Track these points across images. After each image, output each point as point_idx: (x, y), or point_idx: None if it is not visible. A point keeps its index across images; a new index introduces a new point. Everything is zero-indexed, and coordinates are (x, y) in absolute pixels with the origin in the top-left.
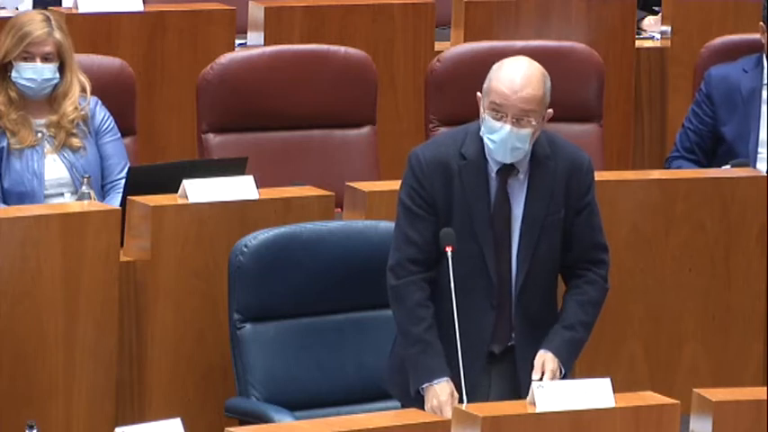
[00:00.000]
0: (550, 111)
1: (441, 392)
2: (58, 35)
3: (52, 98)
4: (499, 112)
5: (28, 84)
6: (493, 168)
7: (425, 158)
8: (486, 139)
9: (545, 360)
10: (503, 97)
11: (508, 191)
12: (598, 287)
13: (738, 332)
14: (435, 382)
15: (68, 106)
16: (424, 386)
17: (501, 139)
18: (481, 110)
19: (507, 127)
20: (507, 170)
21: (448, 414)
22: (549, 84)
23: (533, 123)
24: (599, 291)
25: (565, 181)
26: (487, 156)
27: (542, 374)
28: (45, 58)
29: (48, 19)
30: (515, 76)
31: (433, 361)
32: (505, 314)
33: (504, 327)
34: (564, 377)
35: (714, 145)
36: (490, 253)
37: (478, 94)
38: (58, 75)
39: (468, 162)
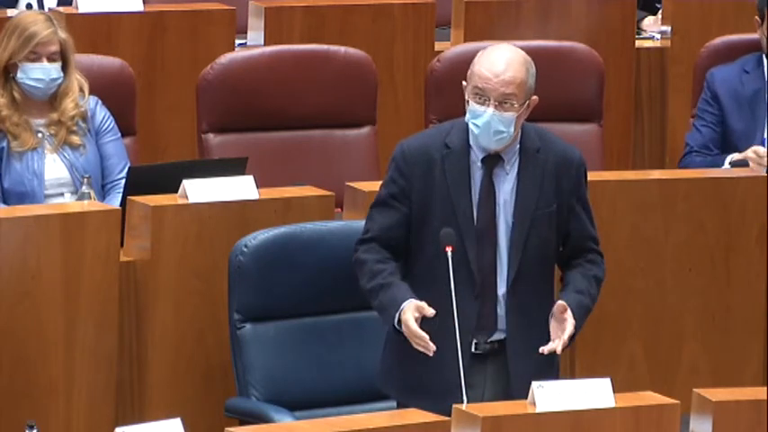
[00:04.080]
0: (535, 98)
1: (405, 318)
2: (62, 34)
3: (53, 97)
4: (482, 96)
5: (36, 84)
6: (477, 158)
7: (409, 148)
8: (470, 125)
9: (567, 317)
10: (484, 81)
11: (494, 180)
12: (599, 267)
13: (738, 332)
14: (401, 308)
15: (69, 103)
16: (395, 320)
17: (484, 122)
18: (466, 97)
19: (490, 110)
20: (492, 160)
21: (411, 325)
22: (532, 70)
23: (515, 106)
24: (600, 270)
25: (555, 175)
26: (472, 144)
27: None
28: (51, 58)
29: (50, 19)
30: (496, 59)
31: (394, 293)
32: (489, 305)
33: (488, 318)
34: (572, 339)
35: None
36: (471, 243)
37: (464, 82)
38: (62, 73)
39: (452, 151)
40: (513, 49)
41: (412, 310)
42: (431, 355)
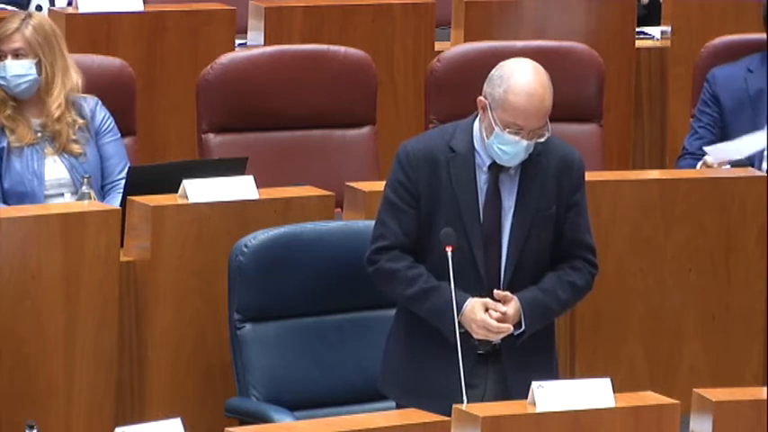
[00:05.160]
0: None
1: (473, 313)
2: (27, 31)
3: (40, 98)
4: (516, 127)
5: (1, 82)
6: (485, 163)
7: (413, 150)
8: (496, 149)
9: (510, 308)
10: (525, 118)
11: (499, 186)
12: (582, 274)
13: (738, 332)
14: (463, 310)
15: (51, 104)
16: (458, 322)
17: (516, 152)
18: (488, 117)
19: (524, 143)
20: (499, 165)
21: (494, 325)
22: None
23: (544, 132)
24: (582, 277)
25: (556, 177)
26: (479, 150)
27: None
28: (15, 55)
29: (26, 17)
30: (534, 92)
31: (447, 295)
32: None
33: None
34: (521, 335)
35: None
36: (479, 246)
37: (481, 99)
38: (34, 71)
39: (457, 155)
40: (539, 71)
41: (479, 308)
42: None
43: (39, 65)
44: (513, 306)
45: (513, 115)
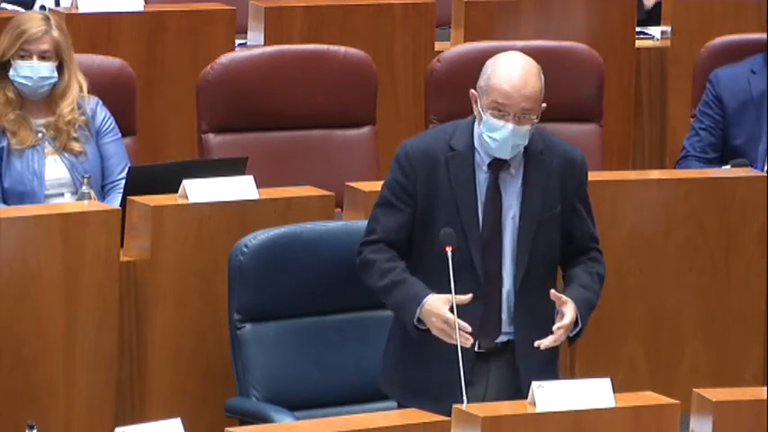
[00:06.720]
0: (544, 104)
1: (434, 308)
2: (55, 33)
3: (50, 98)
4: (501, 110)
5: (25, 82)
6: (484, 161)
7: (412, 149)
8: (485, 137)
9: (568, 309)
10: (505, 96)
11: (500, 185)
12: (601, 265)
13: (738, 332)
14: (423, 303)
15: (65, 107)
16: (417, 315)
17: (503, 137)
18: (478, 108)
19: (510, 126)
20: (499, 164)
21: (452, 319)
22: (543, 78)
23: (533, 119)
24: (603, 267)
25: (559, 176)
26: (477, 147)
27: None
28: (42, 57)
29: (47, 18)
30: (515, 73)
31: (411, 289)
32: (494, 309)
33: (493, 322)
34: (578, 334)
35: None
36: (476, 246)
37: (473, 91)
38: (56, 74)
39: (456, 153)
40: (526, 58)
41: (442, 302)
42: (468, 345)
43: (59, 67)
44: (570, 307)
45: (495, 96)
